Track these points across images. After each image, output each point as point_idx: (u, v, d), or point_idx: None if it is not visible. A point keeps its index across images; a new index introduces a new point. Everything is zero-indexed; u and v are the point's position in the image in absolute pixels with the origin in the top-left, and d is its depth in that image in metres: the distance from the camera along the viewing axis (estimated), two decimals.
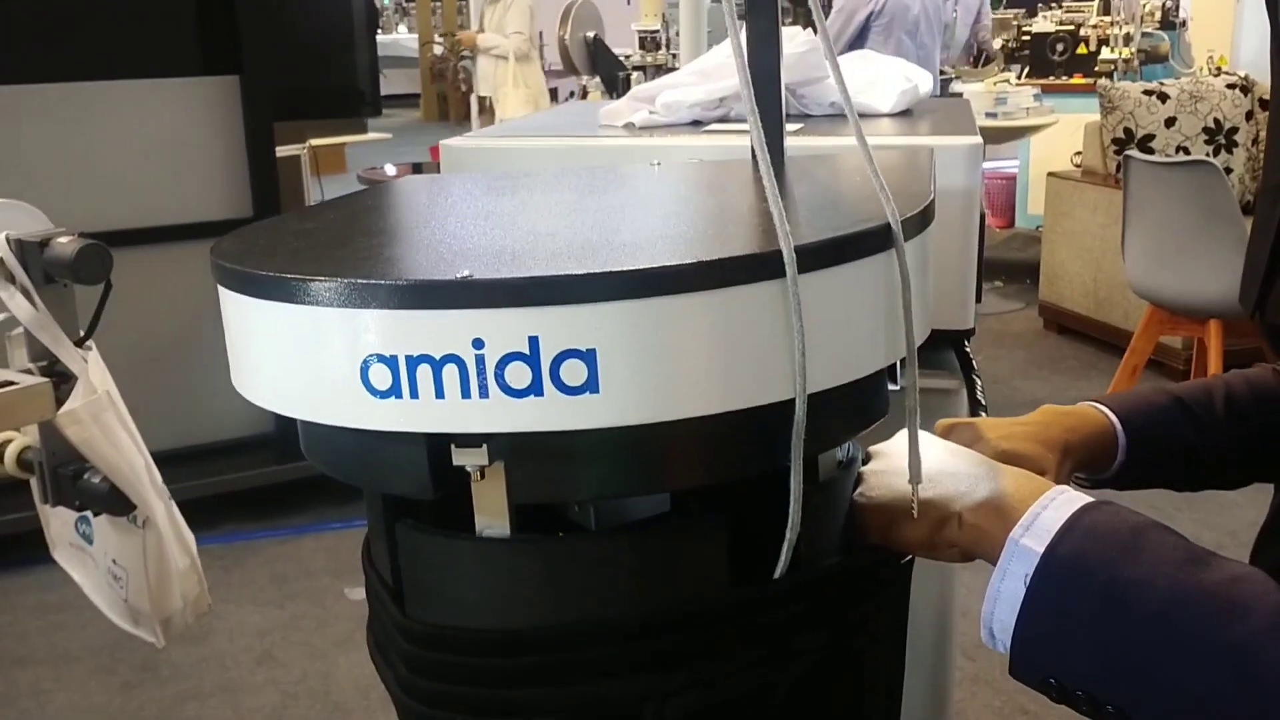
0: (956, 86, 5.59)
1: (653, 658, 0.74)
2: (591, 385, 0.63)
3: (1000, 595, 0.70)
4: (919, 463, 0.75)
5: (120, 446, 1.67)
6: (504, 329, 0.63)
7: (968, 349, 1.29)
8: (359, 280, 0.64)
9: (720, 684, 0.75)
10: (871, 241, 0.69)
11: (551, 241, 0.74)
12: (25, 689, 2.71)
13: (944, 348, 1.27)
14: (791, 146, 1.23)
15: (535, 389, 0.63)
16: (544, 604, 0.74)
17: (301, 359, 0.68)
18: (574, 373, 0.63)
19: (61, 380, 1.69)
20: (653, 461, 0.71)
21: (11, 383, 1.75)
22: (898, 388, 0.89)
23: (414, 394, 0.65)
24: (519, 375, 0.63)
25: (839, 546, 0.81)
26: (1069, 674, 0.68)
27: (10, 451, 1.84)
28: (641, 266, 0.63)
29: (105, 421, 1.66)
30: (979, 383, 1.24)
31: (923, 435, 0.85)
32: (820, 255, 0.66)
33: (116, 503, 1.69)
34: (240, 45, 3.44)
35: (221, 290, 0.73)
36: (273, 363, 0.70)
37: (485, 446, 0.70)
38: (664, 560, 0.75)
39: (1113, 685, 0.67)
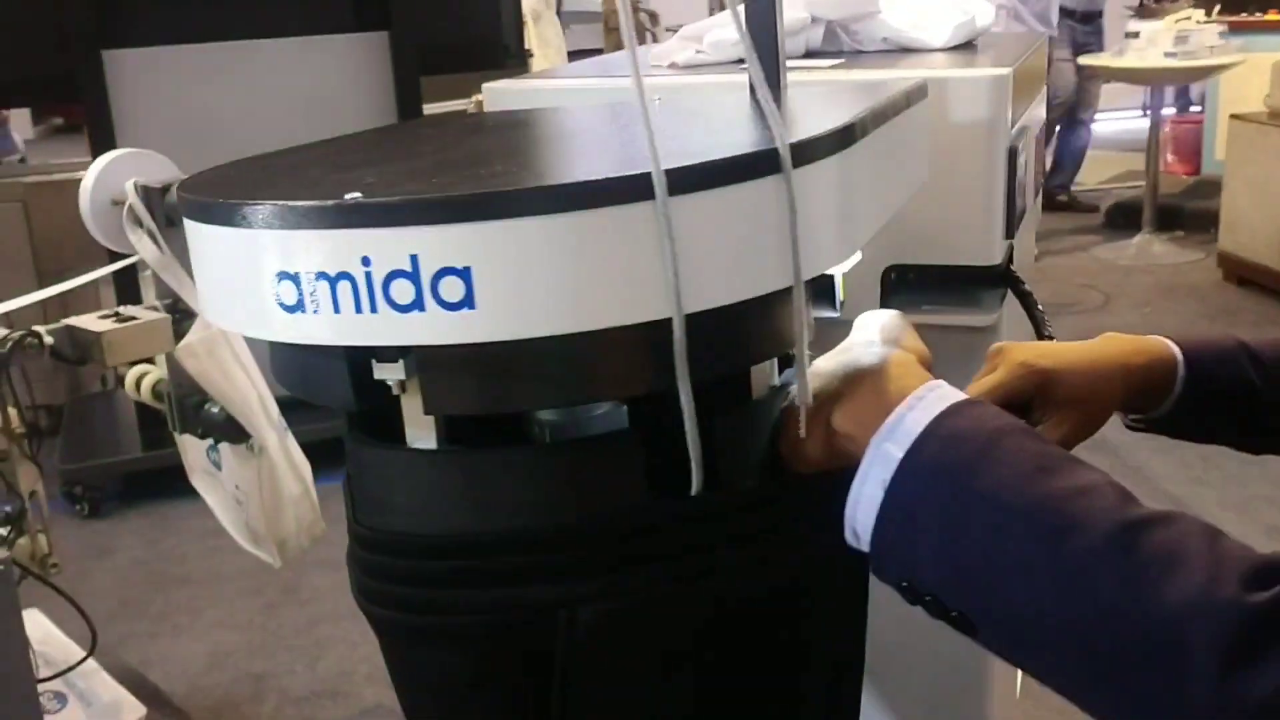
0: (1132, 25, 5.31)
1: (566, 566, 0.77)
2: (469, 301, 0.67)
3: (861, 499, 0.71)
4: (806, 386, 0.76)
5: (233, 379, 1.79)
6: (387, 248, 0.67)
7: (1025, 285, 1.27)
8: (267, 203, 0.70)
9: (632, 595, 0.78)
10: (752, 166, 0.70)
11: (466, 168, 0.78)
12: (181, 605, 2.94)
13: (979, 283, 1.25)
14: (824, 80, 1.24)
15: (418, 305, 0.67)
16: (465, 512, 0.78)
17: (230, 277, 0.74)
18: (452, 289, 0.67)
19: (185, 317, 1.83)
20: (554, 375, 0.74)
21: (135, 318, 1.91)
22: (837, 314, 0.90)
23: (315, 309, 0.70)
24: (403, 292, 0.67)
25: (770, 469, 0.83)
26: (919, 579, 0.69)
27: (146, 383, 2.00)
28: (511, 188, 0.66)
29: (219, 356, 1.79)
30: (1045, 317, 1.23)
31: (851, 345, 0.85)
32: (693, 178, 0.68)
33: (233, 431, 1.83)
34: (389, 1, 3.57)
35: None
36: (213, 282, 0.76)
37: (402, 361, 0.75)
38: (578, 474, 0.78)
39: (956, 594, 0.67)
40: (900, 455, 0.69)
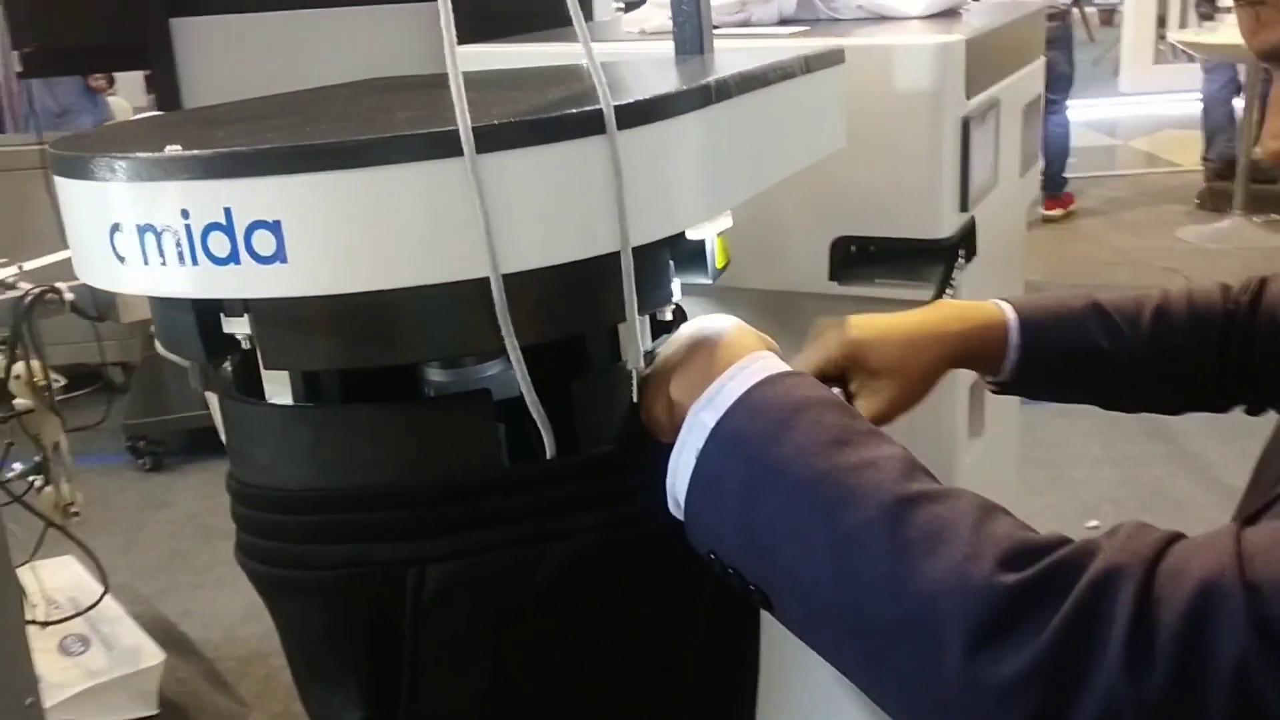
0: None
1: (415, 526, 0.78)
2: (281, 255, 0.68)
3: (679, 467, 0.70)
4: (638, 352, 0.75)
5: None
6: (203, 200, 0.68)
7: (960, 260, 1.24)
8: (100, 156, 0.71)
9: (481, 555, 0.78)
10: (574, 125, 0.69)
11: (325, 123, 0.78)
12: (226, 558, 3.00)
13: (924, 256, 1.22)
14: (777, 48, 1.22)
15: (234, 258, 0.68)
16: (317, 468, 0.79)
17: (80, 229, 0.76)
18: (264, 243, 0.67)
19: None
20: (388, 332, 0.74)
21: None
22: (709, 280, 0.88)
23: (145, 260, 0.71)
24: (220, 245, 0.68)
25: (631, 434, 0.82)
26: (722, 550, 0.68)
27: None
28: (318, 141, 0.67)
29: None
30: (949, 295, 1.19)
31: (707, 315, 0.84)
32: (505, 135, 0.67)
33: None
34: None
35: None
36: (71, 234, 0.78)
37: (248, 315, 0.76)
38: (428, 434, 0.78)
39: (750, 565, 0.66)
40: (712, 424, 0.69)
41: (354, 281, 0.68)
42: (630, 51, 1.31)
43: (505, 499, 0.78)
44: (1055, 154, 5.83)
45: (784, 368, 0.71)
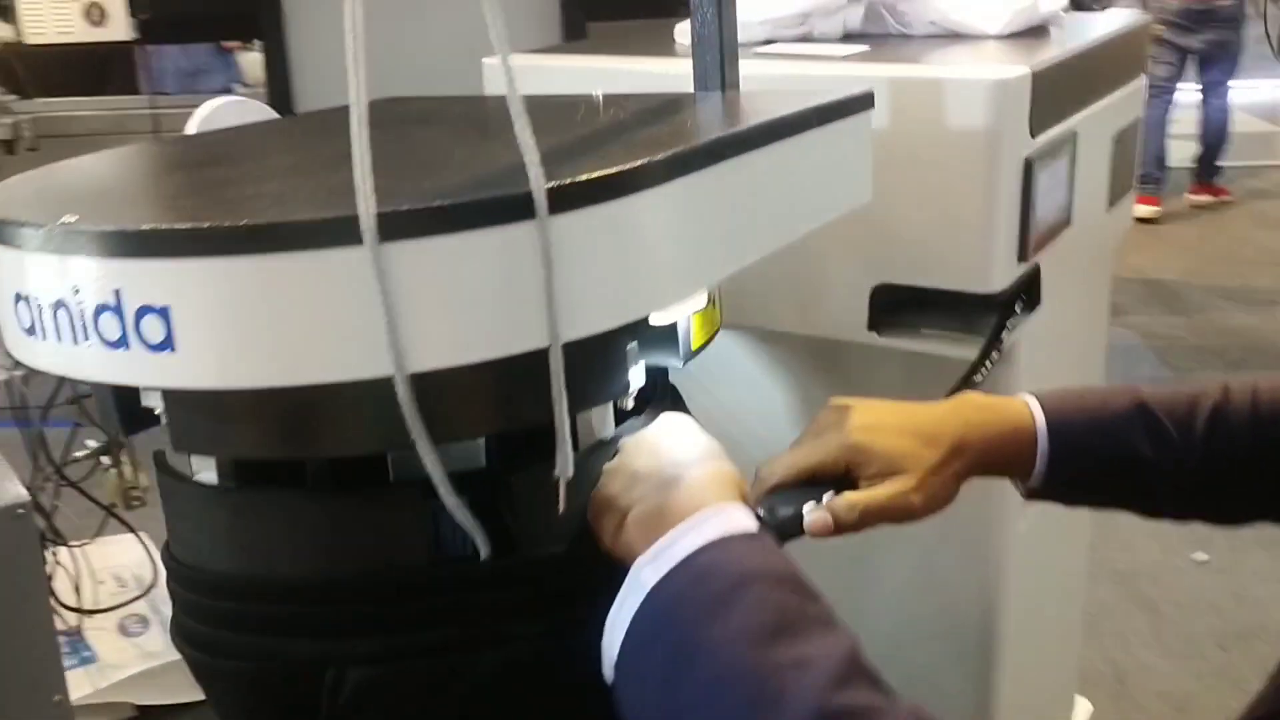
0: None
1: (334, 623, 0.72)
2: (169, 343, 0.61)
3: (614, 626, 0.62)
4: (567, 456, 0.66)
5: None
6: (93, 279, 0.62)
7: (1016, 314, 1.12)
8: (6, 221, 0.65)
9: (405, 660, 0.71)
10: (497, 211, 0.60)
11: (250, 188, 0.71)
12: None
13: (977, 311, 1.10)
14: (830, 77, 1.12)
15: (124, 342, 0.62)
16: (234, 552, 0.73)
17: None
18: (154, 329, 0.61)
19: None
20: (285, 425, 0.68)
21: None
22: (680, 365, 0.80)
23: (44, 335, 0.65)
24: (110, 327, 0.62)
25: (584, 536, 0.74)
26: None
27: None
28: (208, 224, 0.60)
29: None
30: (991, 359, 1.08)
31: (683, 421, 0.75)
32: (418, 222, 0.59)
33: None
34: None
35: None
36: None
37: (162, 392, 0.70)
38: (350, 526, 0.72)
39: None
40: (653, 584, 0.61)
41: (246, 376, 0.62)
42: (664, 71, 1.21)
43: (433, 601, 0.71)
44: (1213, 140, 5.51)
45: (744, 527, 0.63)
